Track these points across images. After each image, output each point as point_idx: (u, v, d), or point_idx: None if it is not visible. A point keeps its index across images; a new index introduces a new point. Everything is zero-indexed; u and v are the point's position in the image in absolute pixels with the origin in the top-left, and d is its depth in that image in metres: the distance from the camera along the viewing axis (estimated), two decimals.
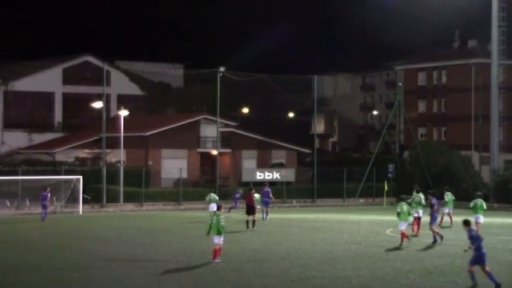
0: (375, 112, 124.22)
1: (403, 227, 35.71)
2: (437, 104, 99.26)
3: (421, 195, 43.50)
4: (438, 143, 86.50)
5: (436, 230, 36.86)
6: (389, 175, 73.94)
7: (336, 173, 72.30)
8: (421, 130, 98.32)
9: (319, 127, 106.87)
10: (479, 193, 44.18)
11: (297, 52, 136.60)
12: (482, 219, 40.36)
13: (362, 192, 72.96)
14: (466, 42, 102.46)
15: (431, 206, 37.65)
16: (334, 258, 31.19)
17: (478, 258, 24.39)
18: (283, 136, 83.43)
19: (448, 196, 47.19)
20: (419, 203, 42.60)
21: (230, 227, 38.23)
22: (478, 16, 79.22)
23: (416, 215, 40.99)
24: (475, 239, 24.58)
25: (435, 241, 36.12)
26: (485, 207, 41.21)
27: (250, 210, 42.84)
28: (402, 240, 35.38)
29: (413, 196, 44.06)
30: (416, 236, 39.19)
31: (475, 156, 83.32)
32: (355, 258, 31.23)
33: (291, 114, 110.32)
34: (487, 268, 24.40)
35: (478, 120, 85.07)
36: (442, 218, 45.39)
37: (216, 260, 29.29)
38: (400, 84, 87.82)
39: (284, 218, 52.61)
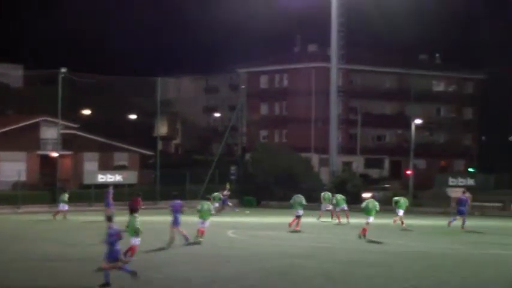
0: (218, 114, 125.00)
1: (204, 224, 37.10)
2: (279, 107, 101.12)
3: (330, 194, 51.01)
4: (279, 145, 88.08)
5: (181, 230, 36.19)
6: (232, 177, 74.67)
7: (179, 175, 72.29)
8: (263, 132, 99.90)
9: (162, 129, 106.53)
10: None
11: (141, 54, 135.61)
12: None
13: (205, 194, 73.18)
14: (307, 47, 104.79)
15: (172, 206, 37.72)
16: (175, 259, 31.17)
17: (111, 255, 24.69)
18: (126, 138, 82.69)
19: (338, 197, 50.32)
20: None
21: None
22: (318, 21, 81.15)
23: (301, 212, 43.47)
24: (110, 236, 24.82)
25: (187, 240, 35.83)
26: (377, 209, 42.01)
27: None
28: (200, 236, 36.57)
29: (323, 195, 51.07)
30: (297, 231, 42.12)
31: (315, 158, 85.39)
32: (196, 259, 31.32)
33: (134, 116, 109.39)
34: (120, 265, 24.76)
35: (317, 123, 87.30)
36: (337, 215, 49.77)
37: (131, 258, 29.11)
38: (243, 87, 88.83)
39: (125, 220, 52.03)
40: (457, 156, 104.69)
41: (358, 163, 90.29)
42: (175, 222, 35.97)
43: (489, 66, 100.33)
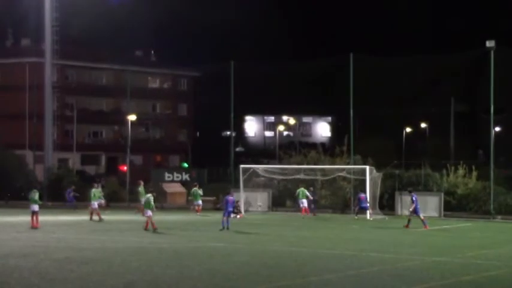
0: None
1: None
2: None
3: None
4: None
5: None
6: None
7: None
8: None
9: None
10: None
11: None
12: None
13: None
14: (20, 41, 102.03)
15: None
16: None
17: None
18: None
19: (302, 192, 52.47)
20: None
21: None
22: (32, 15, 79.29)
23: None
24: None
25: None
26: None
27: None
28: None
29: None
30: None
31: (30, 155, 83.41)
32: None
33: None
34: None
35: (32, 119, 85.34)
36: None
37: None
38: None
39: None
40: (172, 151, 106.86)
41: (74, 160, 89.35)
42: None
43: (201, 63, 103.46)
